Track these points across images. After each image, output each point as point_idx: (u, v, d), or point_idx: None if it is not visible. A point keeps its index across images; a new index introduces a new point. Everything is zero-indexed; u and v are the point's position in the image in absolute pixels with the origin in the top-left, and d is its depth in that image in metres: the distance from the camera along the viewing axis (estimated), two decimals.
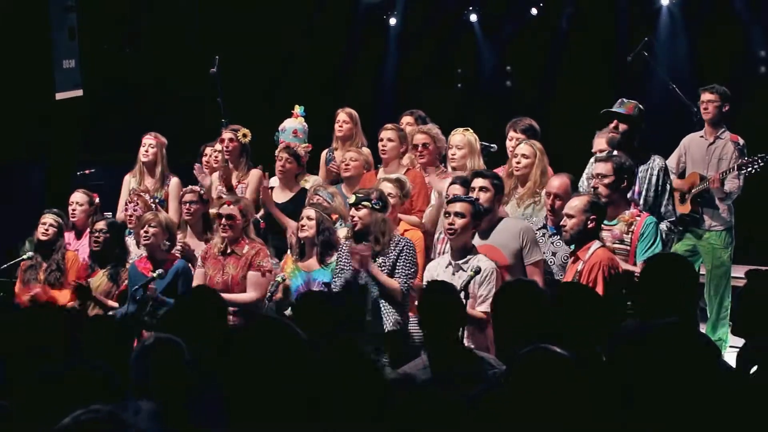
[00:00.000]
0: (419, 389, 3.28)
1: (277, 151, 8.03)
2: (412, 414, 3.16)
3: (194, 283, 6.94)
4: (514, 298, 4.43)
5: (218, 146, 8.35)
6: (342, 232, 7.01)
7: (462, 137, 7.59)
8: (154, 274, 6.86)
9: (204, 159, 8.52)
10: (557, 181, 6.76)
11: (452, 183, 6.92)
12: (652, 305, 4.49)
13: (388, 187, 6.94)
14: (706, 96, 8.30)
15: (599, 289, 5.77)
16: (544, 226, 6.78)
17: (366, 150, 8.28)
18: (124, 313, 6.79)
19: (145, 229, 7.10)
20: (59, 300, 7.35)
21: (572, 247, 6.24)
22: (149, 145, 8.47)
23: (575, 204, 6.13)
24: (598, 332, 4.48)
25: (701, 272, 8.31)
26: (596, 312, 4.51)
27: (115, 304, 7.18)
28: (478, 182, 6.52)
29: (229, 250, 6.99)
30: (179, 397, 3.76)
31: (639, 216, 6.49)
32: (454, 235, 6.20)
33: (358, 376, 3.15)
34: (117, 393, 3.25)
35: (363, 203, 6.53)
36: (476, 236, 6.41)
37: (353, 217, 6.55)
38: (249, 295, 6.88)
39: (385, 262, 6.47)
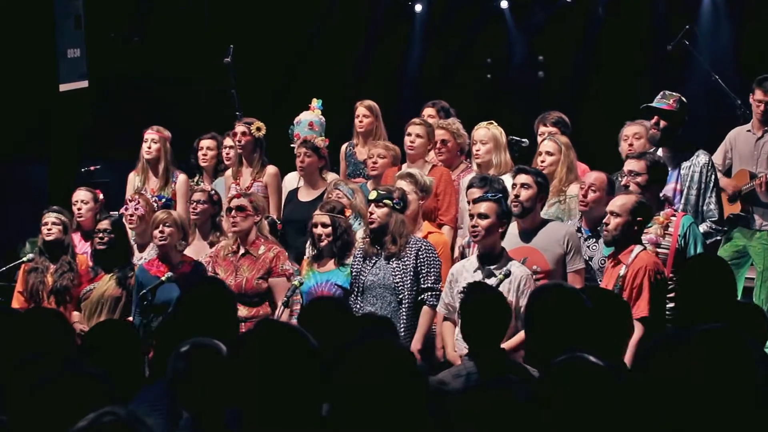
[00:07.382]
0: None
1: (295, 147, 7.75)
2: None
3: None
4: (550, 303, 4.20)
5: (228, 141, 8.07)
6: (360, 233, 6.81)
7: (486, 131, 7.41)
8: (163, 278, 6.58)
9: (200, 153, 8.19)
10: (595, 174, 6.62)
11: (469, 186, 6.71)
12: (690, 310, 4.51)
13: (402, 185, 6.73)
14: (760, 95, 7.89)
15: (645, 295, 5.65)
16: (579, 229, 6.54)
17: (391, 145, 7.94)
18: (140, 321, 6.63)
19: (160, 229, 6.76)
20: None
21: (605, 250, 6.12)
22: (151, 140, 8.02)
23: (622, 202, 5.91)
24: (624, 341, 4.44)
25: (751, 275, 8.06)
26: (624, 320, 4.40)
27: None
28: (520, 178, 6.32)
29: (242, 251, 6.71)
30: (218, 403, 3.62)
31: (674, 216, 6.31)
32: (479, 237, 6.01)
33: (402, 382, 2.95)
34: (115, 400, 3.03)
35: (384, 201, 6.40)
36: (517, 238, 6.27)
37: (371, 213, 6.43)
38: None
39: (399, 266, 6.33)
